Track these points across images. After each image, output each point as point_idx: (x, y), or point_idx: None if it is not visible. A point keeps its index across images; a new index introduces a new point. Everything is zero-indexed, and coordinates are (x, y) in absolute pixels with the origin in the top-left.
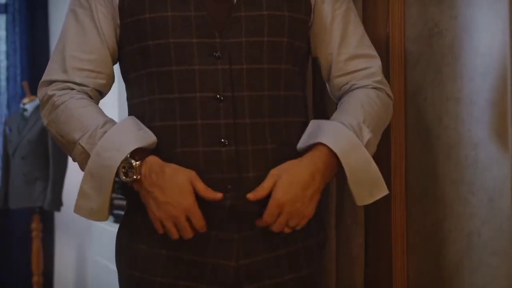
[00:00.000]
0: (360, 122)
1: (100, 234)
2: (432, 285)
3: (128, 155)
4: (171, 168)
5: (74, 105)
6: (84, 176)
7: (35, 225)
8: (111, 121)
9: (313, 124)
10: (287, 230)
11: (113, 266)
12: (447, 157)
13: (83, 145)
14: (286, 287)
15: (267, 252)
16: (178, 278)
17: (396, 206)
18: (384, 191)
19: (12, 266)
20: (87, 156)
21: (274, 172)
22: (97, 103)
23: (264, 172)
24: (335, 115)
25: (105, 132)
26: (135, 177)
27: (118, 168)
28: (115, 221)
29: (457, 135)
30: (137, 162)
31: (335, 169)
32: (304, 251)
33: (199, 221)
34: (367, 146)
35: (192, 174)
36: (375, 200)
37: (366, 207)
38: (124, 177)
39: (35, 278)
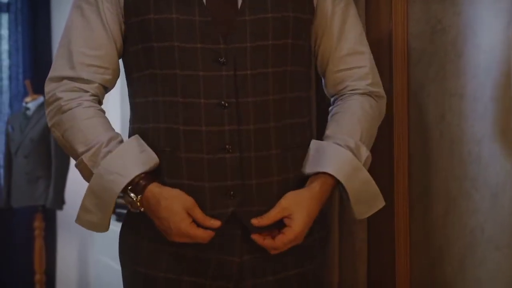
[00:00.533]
0: (357, 141)
1: (103, 232)
2: (435, 280)
3: (129, 188)
4: (167, 198)
5: (80, 115)
6: (87, 193)
7: (38, 223)
8: (115, 138)
9: (314, 145)
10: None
11: (115, 265)
12: (450, 153)
13: (85, 162)
14: (289, 283)
15: None
16: (182, 274)
17: (399, 202)
18: (381, 204)
19: (14, 264)
20: (89, 171)
21: (284, 205)
22: (103, 98)
23: (266, 179)
24: (332, 129)
25: (109, 152)
26: (139, 209)
27: (121, 192)
28: (118, 220)
29: (460, 131)
30: (138, 197)
31: (335, 186)
32: (307, 248)
33: (200, 240)
34: (365, 163)
35: (188, 203)
36: (373, 212)
37: None
38: (130, 206)
39: (37, 277)
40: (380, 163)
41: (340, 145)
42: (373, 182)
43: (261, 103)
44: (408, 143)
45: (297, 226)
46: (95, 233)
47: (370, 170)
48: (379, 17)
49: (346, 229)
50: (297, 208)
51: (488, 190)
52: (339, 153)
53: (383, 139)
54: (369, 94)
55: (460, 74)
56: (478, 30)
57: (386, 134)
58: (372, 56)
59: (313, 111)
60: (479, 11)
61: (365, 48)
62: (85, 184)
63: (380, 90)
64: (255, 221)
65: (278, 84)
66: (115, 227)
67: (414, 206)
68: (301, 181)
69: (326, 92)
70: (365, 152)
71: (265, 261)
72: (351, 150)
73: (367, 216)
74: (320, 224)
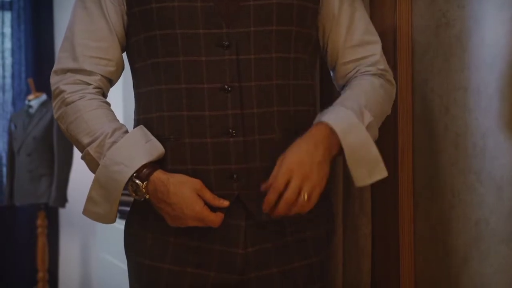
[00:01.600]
0: (361, 106)
1: (105, 230)
2: (440, 274)
3: (134, 175)
4: (175, 183)
5: (84, 106)
6: (93, 184)
7: (40, 221)
8: (120, 128)
9: (318, 114)
10: (297, 210)
11: (117, 262)
12: (455, 146)
13: (91, 153)
14: (294, 275)
15: (274, 239)
16: (186, 266)
17: (403, 195)
18: (383, 173)
19: (17, 262)
20: (96, 162)
21: (280, 157)
22: (107, 91)
23: (271, 162)
24: (337, 101)
25: (114, 142)
26: (144, 196)
27: (127, 183)
28: (120, 217)
29: (464, 124)
30: (143, 184)
31: (337, 146)
32: (313, 239)
33: (212, 223)
34: (368, 128)
35: (197, 185)
36: (373, 181)
37: (373, 196)
38: (134, 194)
39: (40, 274)
40: (385, 156)
41: (343, 106)
42: (373, 144)
43: (265, 88)
44: (412, 137)
45: (284, 160)
46: (97, 231)
47: None
48: (383, 11)
49: (350, 223)
50: (287, 152)
51: (493, 183)
52: (339, 109)
53: (388, 133)
54: (380, 75)
55: (464, 67)
56: (482, 23)
57: (391, 127)
58: (381, 45)
59: (317, 103)
60: (484, 4)
61: (375, 37)
62: (87, 182)
63: (391, 75)
64: (262, 186)
65: (282, 69)
66: (118, 224)
67: (418, 199)
68: None
69: (336, 85)
70: (369, 117)
71: (269, 253)
72: (353, 110)
73: (367, 184)
74: (326, 217)
